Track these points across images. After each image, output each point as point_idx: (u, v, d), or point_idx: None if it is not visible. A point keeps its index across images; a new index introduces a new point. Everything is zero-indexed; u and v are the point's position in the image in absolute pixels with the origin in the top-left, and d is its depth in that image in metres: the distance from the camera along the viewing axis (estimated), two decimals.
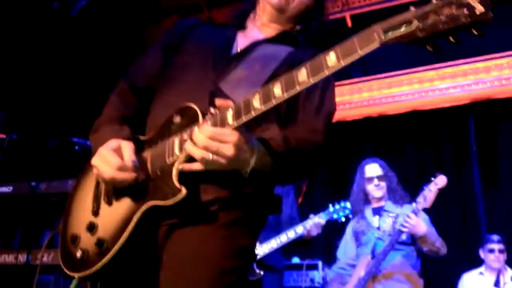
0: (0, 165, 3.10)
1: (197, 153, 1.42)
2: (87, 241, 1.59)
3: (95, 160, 1.57)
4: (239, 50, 1.77)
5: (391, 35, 1.27)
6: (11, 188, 3.21)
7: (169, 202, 1.47)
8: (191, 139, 1.45)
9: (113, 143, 1.58)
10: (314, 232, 4.06)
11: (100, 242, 1.55)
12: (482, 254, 5.11)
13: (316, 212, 4.14)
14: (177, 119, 1.59)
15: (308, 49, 1.80)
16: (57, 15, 5.64)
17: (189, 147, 1.44)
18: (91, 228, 1.60)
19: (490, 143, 6.15)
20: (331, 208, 4.13)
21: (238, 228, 1.57)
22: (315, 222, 3.99)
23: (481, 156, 6.09)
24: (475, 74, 6.09)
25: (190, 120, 1.55)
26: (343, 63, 1.33)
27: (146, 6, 6.66)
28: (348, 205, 4.14)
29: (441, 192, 4.15)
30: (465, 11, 1.17)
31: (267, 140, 1.54)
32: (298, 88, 1.38)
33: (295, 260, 5.23)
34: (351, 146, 6.61)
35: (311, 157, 1.65)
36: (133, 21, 6.65)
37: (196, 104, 1.57)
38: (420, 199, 4.03)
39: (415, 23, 1.24)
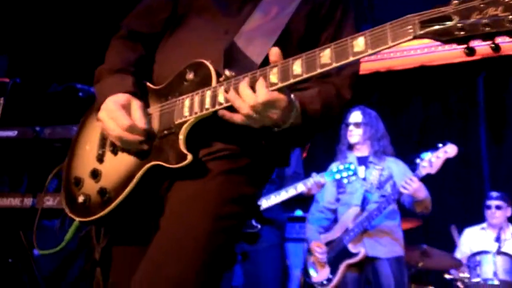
0: (4, 109, 3.09)
1: (244, 110, 1.38)
2: (90, 187, 1.61)
3: (102, 114, 1.54)
4: None
5: (427, 30, 1.19)
6: (15, 132, 3.21)
7: (174, 166, 1.46)
8: (237, 91, 1.39)
9: (121, 97, 1.55)
10: (315, 191, 4.07)
11: (103, 191, 1.56)
12: (485, 212, 5.18)
13: (318, 171, 4.13)
14: (190, 75, 1.54)
15: None
16: None
17: (238, 102, 1.38)
18: (95, 175, 1.61)
19: (499, 100, 6.10)
20: (334, 168, 4.13)
21: (242, 176, 1.56)
22: (316, 181, 3.99)
23: (488, 113, 6.05)
24: None
25: (203, 80, 1.51)
26: (370, 51, 1.26)
27: None
28: (352, 166, 4.12)
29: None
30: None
31: (305, 105, 1.50)
32: (319, 70, 1.32)
33: (298, 212, 5.30)
34: (358, 100, 6.55)
35: (336, 115, 1.66)
36: None
37: (208, 58, 1.52)
38: (425, 163, 4.00)
39: (455, 20, 1.15)
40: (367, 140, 4.34)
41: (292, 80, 1.35)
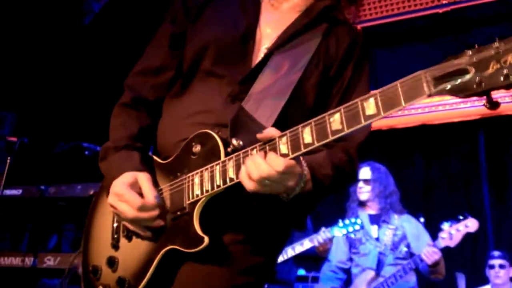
0: (11, 168, 3.13)
1: (256, 177, 1.28)
2: (108, 277, 1.54)
3: (112, 199, 1.47)
4: (261, 48, 1.56)
5: (442, 86, 1.08)
6: (20, 191, 3.23)
7: (190, 250, 1.39)
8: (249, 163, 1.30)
9: (127, 177, 1.47)
10: (327, 245, 4.02)
11: (121, 281, 1.50)
12: (487, 272, 5.08)
13: (326, 225, 4.09)
14: (197, 148, 1.45)
15: (344, 27, 1.64)
16: (70, 22, 5.70)
17: (252, 169, 1.28)
18: (112, 263, 1.54)
19: (500, 159, 6.12)
20: (340, 223, 4.09)
21: (254, 245, 1.48)
22: (324, 237, 3.94)
23: (490, 172, 6.06)
24: None
25: (211, 152, 1.42)
26: (384, 113, 1.15)
27: (158, 15, 6.72)
28: (359, 221, 4.09)
29: (450, 208, 4.11)
30: None
31: (315, 171, 1.42)
32: (331, 137, 1.22)
33: (301, 272, 5.22)
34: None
35: (348, 179, 1.59)
36: (145, 29, 6.70)
37: (214, 126, 1.45)
38: (445, 234, 3.95)
39: (472, 73, 1.05)
40: (376, 197, 4.32)
41: (303, 150, 1.26)
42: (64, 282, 2.95)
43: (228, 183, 1.36)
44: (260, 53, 1.57)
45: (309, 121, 1.26)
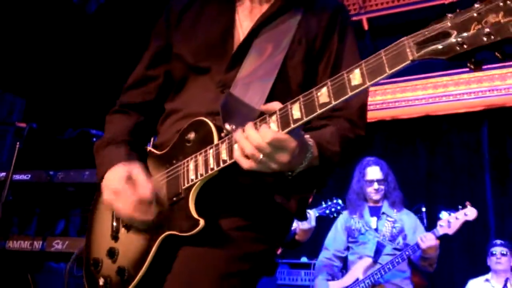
0: (20, 153, 3.17)
1: (249, 150, 1.27)
2: (109, 268, 1.56)
3: (107, 195, 1.48)
4: (241, 39, 1.59)
5: (425, 51, 1.09)
6: (29, 175, 3.27)
7: (187, 234, 1.40)
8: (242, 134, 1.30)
9: (121, 171, 1.48)
10: (305, 226, 4.06)
11: (121, 271, 1.51)
12: (488, 260, 5.14)
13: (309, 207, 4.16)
14: (191, 135, 1.48)
15: (322, 1, 1.66)
16: (76, 10, 5.72)
17: (243, 142, 1.28)
18: (112, 254, 1.56)
19: (503, 150, 6.14)
20: (323, 204, 4.16)
21: (252, 233, 1.48)
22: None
23: (493, 163, 6.08)
24: (490, 81, 6.09)
25: (205, 138, 1.45)
26: (369, 82, 1.17)
27: (162, 3, 6.73)
28: (340, 201, 4.16)
29: (452, 199, 4.15)
30: None
31: (323, 147, 1.42)
32: (319, 111, 1.23)
33: (303, 259, 5.27)
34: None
35: (354, 154, 1.57)
36: (152, 16, 6.71)
37: (207, 115, 1.48)
38: (443, 223, 4.01)
39: (454, 35, 1.06)
40: (385, 193, 4.36)
41: (293, 126, 1.25)
42: (71, 266, 3.00)
43: (222, 165, 1.37)
44: (240, 38, 1.61)
45: (298, 97, 1.27)
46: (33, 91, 5.90)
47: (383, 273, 3.99)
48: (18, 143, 3.16)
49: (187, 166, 1.45)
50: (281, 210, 1.53)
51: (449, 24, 1.07)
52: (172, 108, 1.65)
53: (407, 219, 4.28)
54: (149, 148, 1.65)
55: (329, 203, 4.19)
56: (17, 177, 3.23)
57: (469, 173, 6.22)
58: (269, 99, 1.46)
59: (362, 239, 4.23)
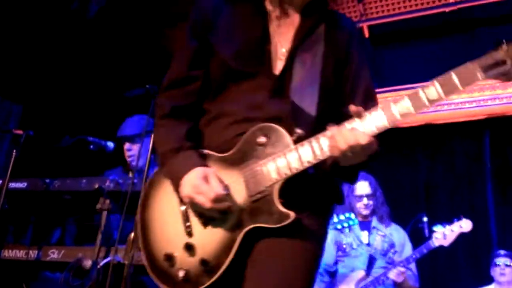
0: (16, 161, 3.13)
1: (343, 148, 1.51)
2: (187, 261, 1.67)
3: (187, 190, 1.63)
4: (278, 47, 1.76)
5: (489, 73, 1.44)
6: (25, 184, 3.24)
7: (276, 225, 1.57)
8: (337, 135, 1.53)
9: (198, 172, 1.64)
10: None
11: (204, 263, 1.64)
12: (492, 271, 5.09)
13: None
14: (262, 139, 1.64)
15: (340, 19, 1.87)
16: (75, 16, 5.71)
17: (339, 140, 1.51)
18: (189, 248, 1.67)
19: (505, 159, 6.11)
20: (335, 219, 4.13)
21: (317, 219, 1.71)
22: None
23: (494, 173, 6.04)
24: (492, 90, 6.06)
25: (277, 141, 1.63)
26: (445, 96, 1.46)
27: (163, 8, 6.72)
28: (353, 216, 4.13)
29: (454, 208, 4.15)
30: None
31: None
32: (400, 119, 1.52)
33: None
34: None
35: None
36: (151, 23, 6.71)
37: (267, 120, 1.65)
38: (439, 235, 4.03)
39: (509, 63, 1.41)
40: (374, 209, 4.39)
41: (377, 131, 1.54)
42: (67, 275, 2.96)
43: (306, 165, 1.59)
44: (279, 50, 1.76)
45: (376, 107, 1.56)
46: (30, 98, 5.88)
47: (376, 285, 3.98)
48: (14, 150, 3.13)
49: (266, 166, 1.62)
50: (330, 193, 1.78)
51: (504, 54, 1.41)
52: (218, 111, 1.76)
53: (397, 235, 4.31)
54: (207, 151, 1.76)
55: (341, 217, 4.14)
56: (13, 185, 3.20)
57: (470, 182, 6.18)
58: (317, 106, 1.71)
59: (354, 253, 4.23)
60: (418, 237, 4.45)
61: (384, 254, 4.17)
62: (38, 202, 3.32)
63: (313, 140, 1.59)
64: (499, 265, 5.00)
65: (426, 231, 4.38)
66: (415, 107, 1.49)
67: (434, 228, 4.10)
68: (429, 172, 6.44)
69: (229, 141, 1.70)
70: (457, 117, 6.19)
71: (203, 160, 1.71)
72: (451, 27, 6.15)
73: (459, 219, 4.13)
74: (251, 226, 1.60)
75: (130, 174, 3.84)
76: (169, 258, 1.70)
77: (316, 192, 1.71)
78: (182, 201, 1.71)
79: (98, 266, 2.73)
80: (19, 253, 3.14)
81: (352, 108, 1.55)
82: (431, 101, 1.47)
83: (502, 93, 6.00)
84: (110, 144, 3.47)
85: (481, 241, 5.90)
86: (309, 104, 1.70)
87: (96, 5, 5.60)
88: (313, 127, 1.64)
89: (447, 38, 6.19)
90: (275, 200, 1.59)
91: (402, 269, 4.00)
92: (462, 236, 5.77)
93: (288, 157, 1.60)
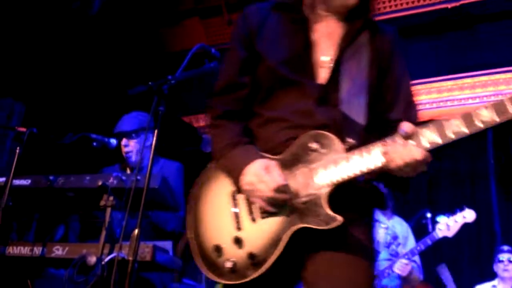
0: (19, 158, 3.14)
1: (398, 162, 1.57)
2: (235, 253, 1.76)
3: (249, 178, 1.71)
4: (320, 56, 1.80)
5: None
6: (29, 181, 3.24)
7: (324, 227, 1.62)
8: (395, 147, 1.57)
9: (261, 163, 1.72)
10: None
11: (252, 256, 1.72)
12: (495, 267, 5.09)
13: None
14: (314, 145, 1.70)
15: (381, 26, 1.90)
16: (77, 13, 5.72)
17: (394, 155, 1.56)
18: (238, 241, 1.76)
19: (508, 155, 6.09)
20: None
21: (362, 220, 1.78)
22: None
23: (498, 169, 6.03)
24: (495, 86, 6.04)
25: (329, 148, 1.68)
26: (498, 119, 1.50)
27: (165, 7, 6.72)
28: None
29: (457, 204, 4.15)
30: None
31: None
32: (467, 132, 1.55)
33: None
34: None
35: None
36: (152, 22, 6.71)
37: (317, 127, 1.70)
38: (442, 226, 4.03)
39: None
40: None
41: (430, 147, 1.60)
42: (72, 272, 2.97)
43: (358, 173, 1.63)
44: (320, 58, 1.81)
45: (428, 125, 1.59)
46: (33, 95, 5.88)
47: (381, 277, 3.98)
48: (18, 148, 3.13)
49: (317, 172, 1.68)
50: (373, 199, 1.84)
51: None
52: (269, 115, 1.83)
53: (399, 227, 4.31)
54: (261, 153, 1.82)
55: None
56: (17, 182, 3.20)
57: (473, 178, 6.17)
58: (366, 115, 1.76)
59: None
60: (421, 233, 4.45)
61: (387, 246, 4.17)
62: (42, 199, 3.33)
63: (364, 151, 1.63)
64: (502, 261, 5.00)
65: (430, 227, 4.39)
66: (469, 128, 1.53)
67: (438, 219, 4.10)
68: (432, 168, 6.43)
69: (280, 144, 1.76)
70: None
71: (261, 154, 1.77)
72: (453, 23, 6.14)
73: (462, 209, 4.11)
74: (300, 225, 1.66)
75: (128, 171, 3.85)
76: (218, 249, 1.79)
77: (362, 197, 1.77)
78: (234, 196, 1.80)
79: (103, 263, 2.74)
80: (24, 250, 3.14)
81: (406, 128, 1.57)
82: (484, 122, 1.50)
83: (505, 89, 5.99)
84: (113, 141, 3.47)
85: (484, 236, 5.90)
86: (357, 113, 1.75)
87: (99, 1, 5.60)
88: (362, 136, 1.72)
89: (449, 34, 6.18)
90: (323, 204, 1.64)
91: (406, 261, 3.99)
92: (466, 233, 5.79)
93: (339, 165, 1.65)
